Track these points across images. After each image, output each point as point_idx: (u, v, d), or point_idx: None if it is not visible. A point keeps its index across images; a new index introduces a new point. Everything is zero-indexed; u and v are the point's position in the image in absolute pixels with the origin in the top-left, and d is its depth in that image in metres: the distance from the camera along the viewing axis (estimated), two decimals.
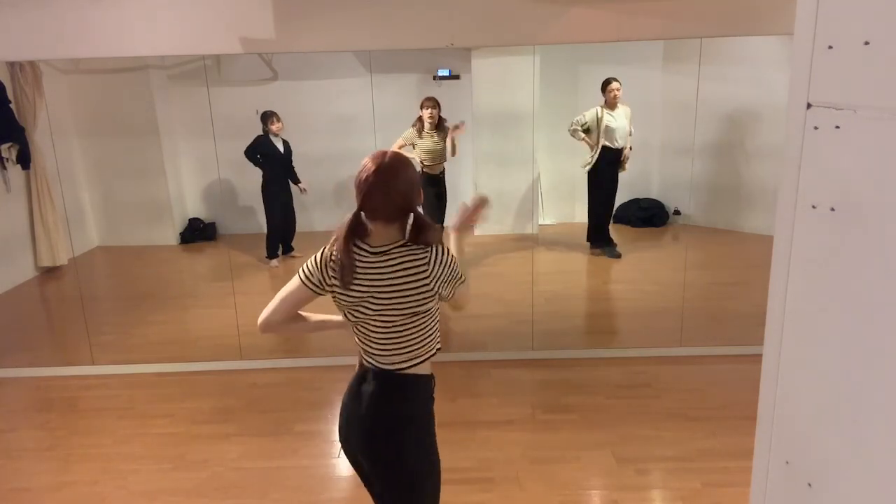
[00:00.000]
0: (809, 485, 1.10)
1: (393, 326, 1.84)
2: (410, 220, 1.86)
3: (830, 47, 1.00)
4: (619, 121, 5.66)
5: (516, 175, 6.49)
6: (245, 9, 3.59)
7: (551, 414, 3.54)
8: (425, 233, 1.84)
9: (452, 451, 3.22)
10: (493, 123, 6.51)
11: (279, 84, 6.75)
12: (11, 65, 5.42)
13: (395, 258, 1.81)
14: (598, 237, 6.02)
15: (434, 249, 1.83)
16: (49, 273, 5.96)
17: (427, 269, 1.81)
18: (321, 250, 1.88)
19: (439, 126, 5.51)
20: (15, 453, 3.35)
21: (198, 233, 6.84)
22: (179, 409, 3.71)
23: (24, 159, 5.65)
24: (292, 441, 3.37)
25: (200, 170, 6.78)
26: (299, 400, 3.79)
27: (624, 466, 3.06)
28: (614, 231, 6.22)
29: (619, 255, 5.95)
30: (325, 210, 6.70)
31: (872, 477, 0.96)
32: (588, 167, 5.77)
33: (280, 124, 5.85)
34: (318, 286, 1.86)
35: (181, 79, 6.73)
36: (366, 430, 1.89)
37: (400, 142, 5.50)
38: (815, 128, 1.04)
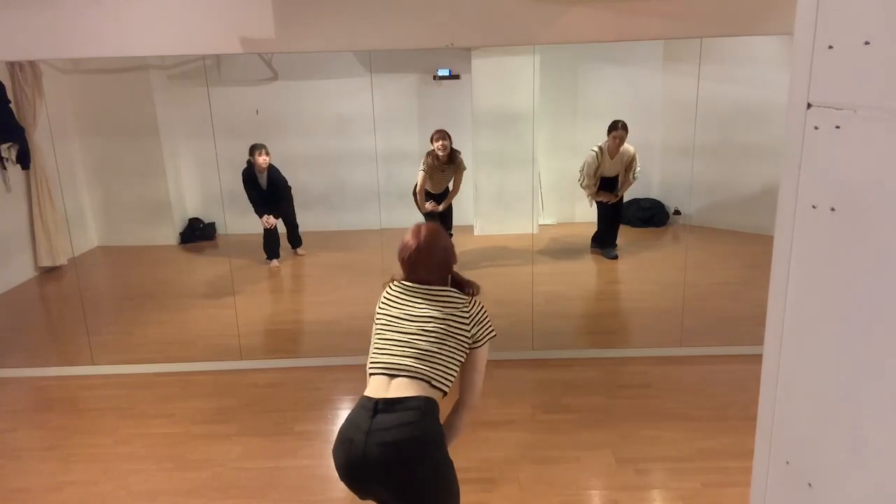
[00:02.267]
0: (809, 485, 1.10)
1: (426, 343, 2.01)
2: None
3: (830, 47, 1.00)
4: (614, 168, 5.66)
5: (516, 175, 6.49)
6: (245, 9, 3.59)
7: (551, 414, 3.54)
8: (465, 287, 2.17)
9: (453, 451, 3.22)
10: (493, 123, 6.51)
11: (279, 84, 6.75)
12: (11, 65, 5.42)
13: (441, 292, 2.10)
14: (604, 239, 6.04)
15: (473, 298, 2.14)
16: (49, 273, 5.97)
17: (467, 307, 2.09)
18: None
19: (452, 158, 5.48)
20: (15, 453, 3.35)
21: (198, 233, 6.84)
22: (179, 409, 3.71)
23: (24, 159, 5.65)
24: (292, 441, 3.37)
25: (200, 170, 6.78)
26: (299, 400, 3.79)
27: (624, 466, 3.06)
28: None
29: (615, 257, 5.96)
30: (325, 210, 6.70)
31: (872, 477, 0.96)
32: (600, 199, 5.80)
33: (266, 158, 5.68)
34: None
35: (181, 79, 6.73)
36: (396, 457, 1.88)
37: (421, 175, 5.48)
38: (815, 128, 1.04)
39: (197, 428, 3.51)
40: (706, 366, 4.04)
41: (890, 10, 0.89)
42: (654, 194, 6.88)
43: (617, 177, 5.75)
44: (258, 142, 5.71)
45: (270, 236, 5.97)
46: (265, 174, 5.77)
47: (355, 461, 1.89)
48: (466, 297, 2.12)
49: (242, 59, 6.55)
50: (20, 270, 5.79)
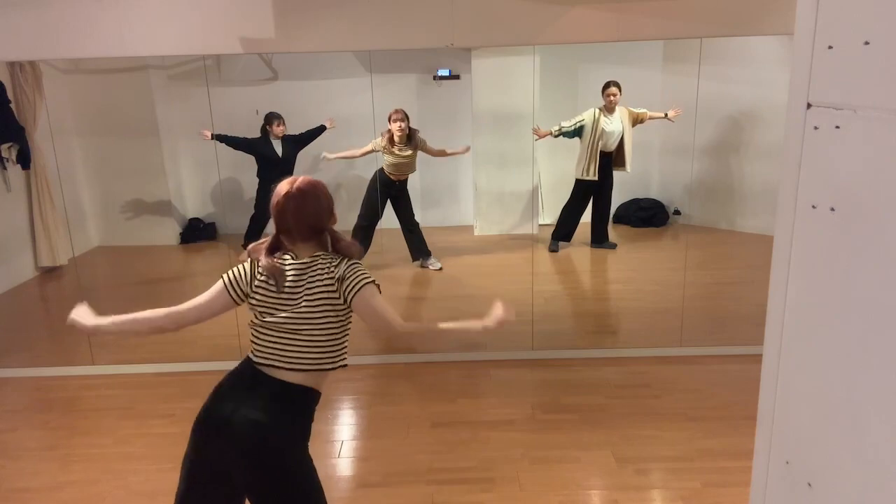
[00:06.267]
0: (809, 485, 1.10)
1: (302, 331, 1.93)
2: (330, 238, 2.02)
3: (830, 47, 1.00)
4: (614, 125, 5.67)
5: (516, 175, 6.49)
6: (245, 9, 3.59)
7: (551, 414, 3.54)
8: (341, 248, 1.99)
9: (452, 451, 3.23)
10: (493, 123, 6.51)
11: (279, 84, 6.75)
12: (11, 65, 5.42)
13: (316, 265, 1.94)
14: (597, 235, 6.08)
15: (346, 258, 1.96)
16: (49, 273, 5.96)
17: (333, 271, 1.92)
18: (243, 264, 2.02)
19: (410, 139, 5.42)
20: (15, 453, 3.35)
21: (198, 233, 6.84)
22: (179, 409, 3.71)
23: (24, 159, 5.65)
24: None
25: (200, 170, 6.78)
26: None
27: (624, 466, 3.06)
28: (615, 231, 6.25)
29: (614, 246, 6.10)
30: None
31: (872, 477, 0.96)
32: (589, 176, 5.78)
33: (283, 127, 5.84)
34: (239, 296, 2.04)
35: (181, 79, 6.73)
36: (257, 440, 1.90)
37: (368, 147, 5.45)
38: (815, 128, 1.04)
39: None
40: (706, 366, 4.04)
41: (890, 10, 0.89)
42: (653, 194, 6.88)
43: (615, 151, 5.74)
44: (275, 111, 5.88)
45: (258, 225, 5.91)
46: (280, 141, 5.88)
47: (226, 427, 2.07)
48: (335, 257, 1.97)
49: (242, 59, 6.55)
50: (20, 270, 5.79)
